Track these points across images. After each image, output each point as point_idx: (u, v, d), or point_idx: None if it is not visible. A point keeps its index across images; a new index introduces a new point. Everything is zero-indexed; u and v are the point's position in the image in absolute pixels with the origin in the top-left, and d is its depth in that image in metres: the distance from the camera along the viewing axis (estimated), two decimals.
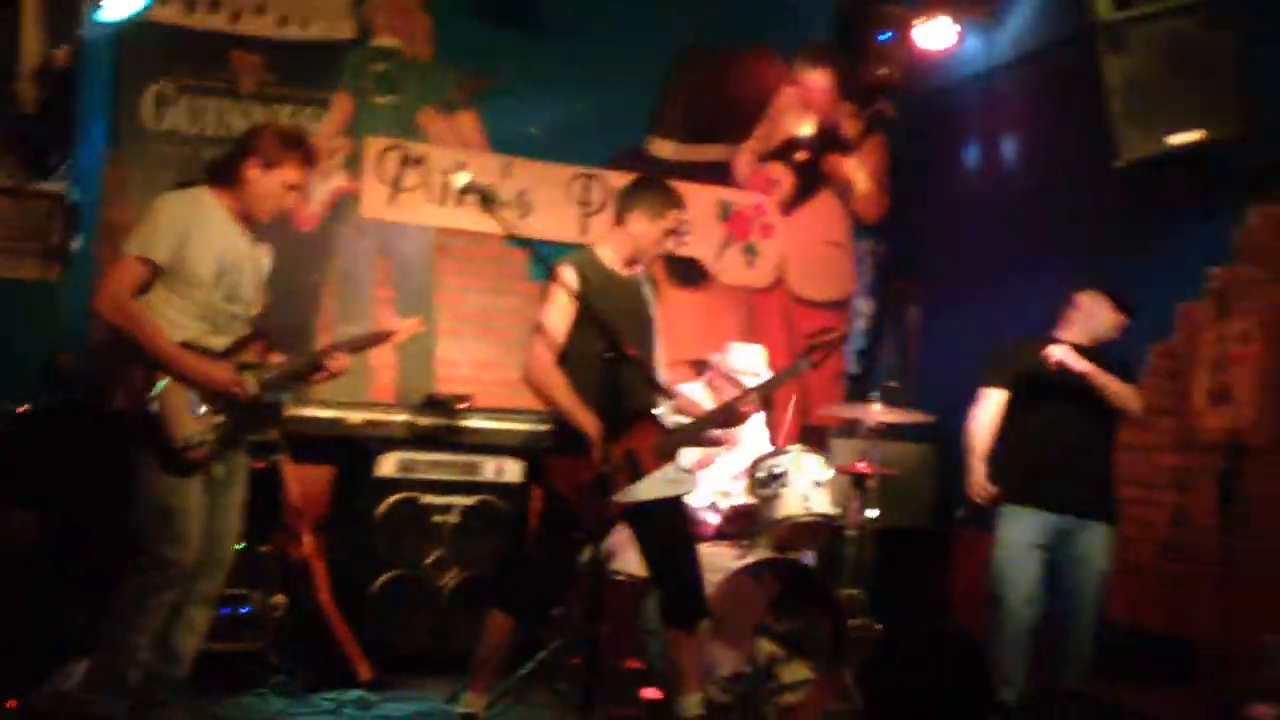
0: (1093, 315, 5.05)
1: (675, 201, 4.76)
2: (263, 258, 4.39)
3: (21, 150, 5.41)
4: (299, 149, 4.29)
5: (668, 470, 4.64)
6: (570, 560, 4.70)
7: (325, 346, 4.55)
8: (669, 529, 4.69)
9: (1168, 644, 5.17)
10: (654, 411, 4.66)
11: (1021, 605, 4.89)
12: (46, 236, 5.46)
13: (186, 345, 4.08)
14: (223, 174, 4.26)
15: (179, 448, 4.03)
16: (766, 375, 5.88)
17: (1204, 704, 4.66)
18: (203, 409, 4.09)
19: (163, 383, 4.01)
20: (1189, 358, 5.56)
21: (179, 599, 4.13)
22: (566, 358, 4.56)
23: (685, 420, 4.85)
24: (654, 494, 4.59)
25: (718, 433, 5.06)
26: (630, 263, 4.76)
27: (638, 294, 4.79)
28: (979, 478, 5.04)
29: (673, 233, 4.76)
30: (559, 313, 4.56)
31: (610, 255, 4.74)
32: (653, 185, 4.82)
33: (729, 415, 4.88)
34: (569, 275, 4.55)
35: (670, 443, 4.66)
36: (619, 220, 4.78)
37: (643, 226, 4.70)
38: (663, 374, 4.79)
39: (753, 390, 4.93)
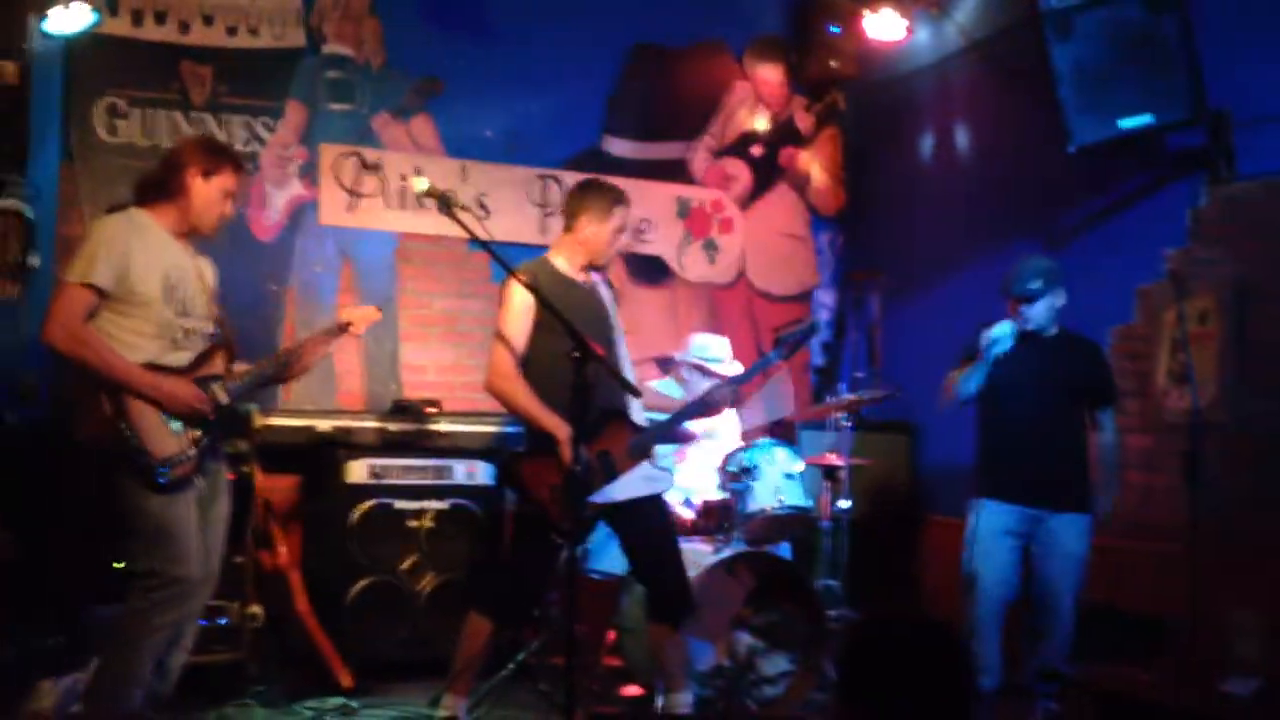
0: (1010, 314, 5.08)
1: (620, 198, 4.75)
2: (206, 270, 4.39)
3: None
4: (229, 156, 4.36)
5: (644, 468, 4.64)
6: (547, 561, 4.69)
7: (287, 348, 4.53)
8: (651, 527, 4.70)
9: (1140, 623, 5.24)
10: (625, 411, 4.67)
11: (994, 592, 4.92)
12: (4, 254, 5.38)
13: (148, 366, 4.06)
14: (157, 191, 4.26)
15: (162, 467, 4.00)
16: (732, 361, 5.93)
17: (1179, 681, 4.73)
18: (178, 425, 4.07)
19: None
20: (1149, 339, 5.66)
21: (181, 617, 4.12)
22: (530, 363, 4.55)
23: (658, 418, 4.86)
24: (631, 493, 4.60)
25: (689, 428, 5.08)
26: (587, 268, 4.75)
27: (595, 298, 4.78)
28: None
29: (622, 230, 4.75)
30: (517, 318, 4.55)
31: (564, 263, 4.73)
32: (596, 186, 4.80)
33: (701, 410, 4.90)
34: (519, 285, 4.55)
35: (644, 441, 4.67)
36: (568, 228, 4.78)
37: (592, 229, 4.70)
38: (630, 375, 4.78)
39: (724, 385, 4.95)
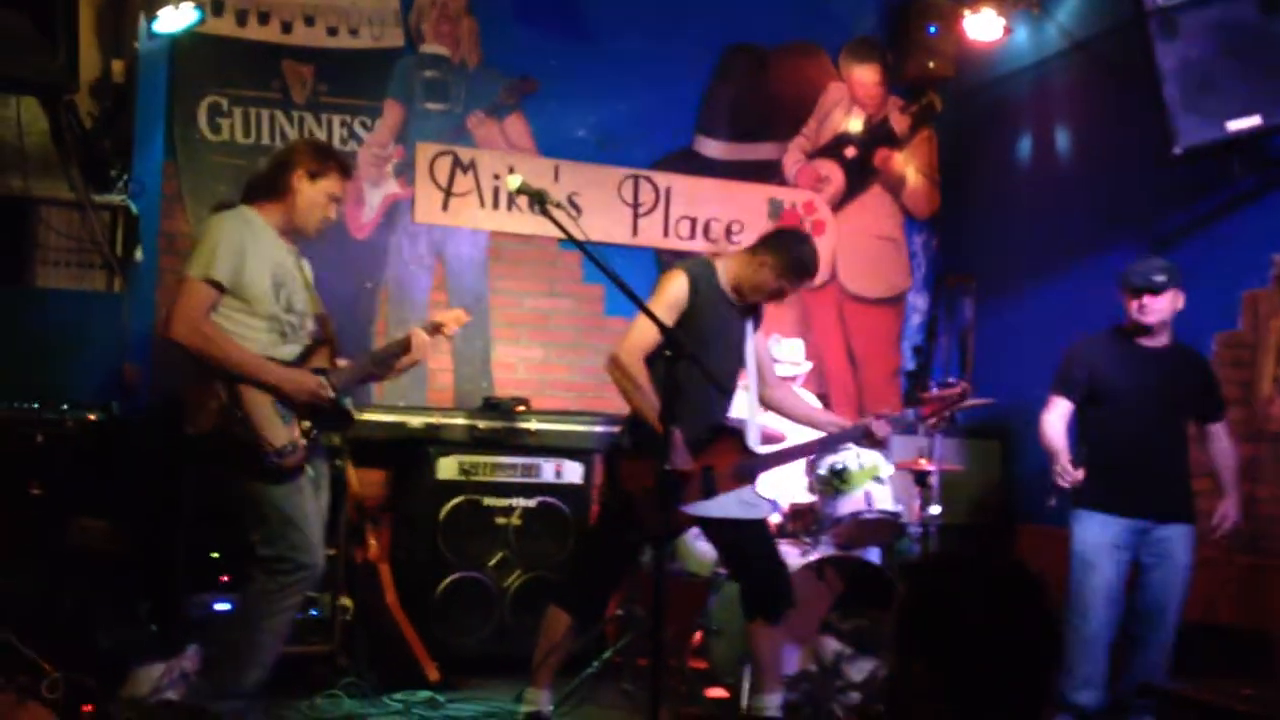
0: (1126, 311, 4.97)
1: (804, 272, 4.68)
2: (306, 268, 4.49)
3: (82, 164, 5.47)
4: (336, 160, 4.44)
5: (743, 492, 4.58)
6: (624, 558, 4.71)
7: (385, 346, 4.61)
8: (746, 540, 4.65)
9: (1242, 637, 5.10)
10: (741, 432, 4.62)
11: (1101, 607, 4.80)
12: (109, 248, 5.53)
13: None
14: (265, 190, 4.37)
15: (276, 455, 4.11)
16: (804, 362, 5.90)
17: None
18: (288, 416, 4.18)
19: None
20: (1255, 346, 5.50)
21: (301, 602, 4.25)
22: (654, 361, 4.49)
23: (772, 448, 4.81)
24: (724, 513, 4.55)
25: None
26: (732, 288, 4.70)
27: (740, 320, 4.73)
28: (1064, 461, 4.88)
29: (781, 298, 4.73)
30: (663, 311, 4.39)
31: (724, 276, 4.69)
32: (800, 244, 4.71)
33: (827, 448, 4.89)
34: (679, 282, 4.55)
35: (752, 465, 4.61)
36: (752, 248, 4.73)
37: (764, 269, 4.62)
38: (742, 399, 4.75)
39: (858, 429, 4.82)
